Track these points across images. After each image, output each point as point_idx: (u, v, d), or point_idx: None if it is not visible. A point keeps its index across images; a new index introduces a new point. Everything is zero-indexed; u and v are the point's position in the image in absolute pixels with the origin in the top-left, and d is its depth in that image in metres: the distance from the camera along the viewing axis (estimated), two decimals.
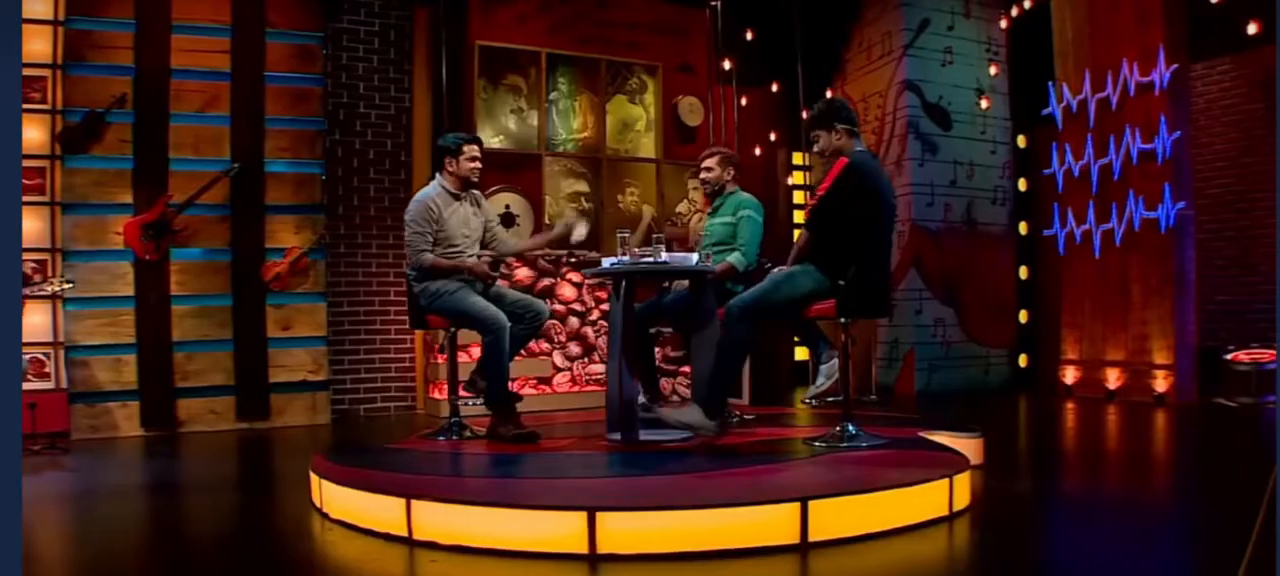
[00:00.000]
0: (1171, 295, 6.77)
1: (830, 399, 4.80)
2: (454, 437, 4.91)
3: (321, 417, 7.14)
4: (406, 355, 7.96)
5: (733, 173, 5.31)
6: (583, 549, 3.01)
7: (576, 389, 7.81)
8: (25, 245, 6.42)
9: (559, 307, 7.79)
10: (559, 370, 7.80)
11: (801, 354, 10.31)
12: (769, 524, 3.06)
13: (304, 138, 7.17)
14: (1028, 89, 8.34)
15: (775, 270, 4.48)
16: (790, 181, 10.03)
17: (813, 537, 3.08)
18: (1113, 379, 7.21)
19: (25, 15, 6.46)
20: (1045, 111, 7.84)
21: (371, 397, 7.89)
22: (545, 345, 7.71)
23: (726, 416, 5.30)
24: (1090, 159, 7.37)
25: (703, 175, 5.34)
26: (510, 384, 4.73)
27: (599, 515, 3.01)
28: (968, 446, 4.54)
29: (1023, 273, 8.67)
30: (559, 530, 3.04)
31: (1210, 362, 6.82)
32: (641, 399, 5.47)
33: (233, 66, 6.89)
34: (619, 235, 4.67)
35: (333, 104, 7.67)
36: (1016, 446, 5.68)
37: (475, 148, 4.82)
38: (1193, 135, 7.42)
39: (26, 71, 6.46)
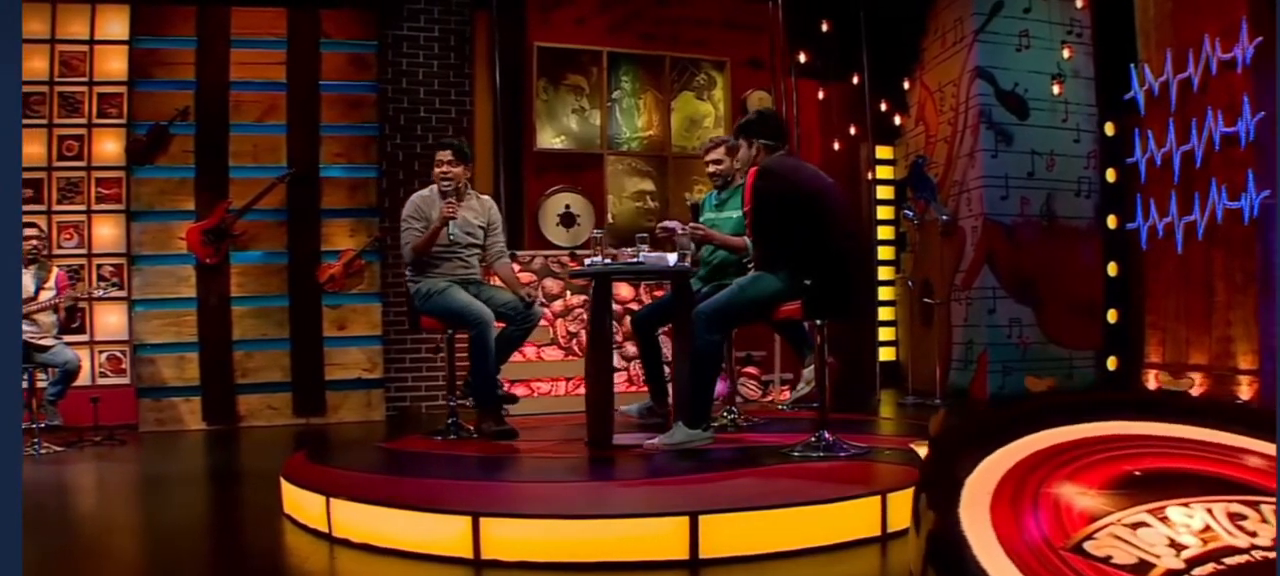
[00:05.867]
0: (1256, 293, 6.13)
1: (813, 404, 4.59)
2: (452, 437, 4.97)
3: (376, 414, 7.38)
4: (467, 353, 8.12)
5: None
6: (468, 553, 2.99)
7: (631, 388, 7.76)
8: (102, 251, 6.93)
9: (616, 307, 7.76)
10: (615, 370, 7.76)
11: (887, 354, 9.92)
12: (657, 537, 2.95)
13: (359, 143, 7.43)
14: (1115, 72, 7.71)
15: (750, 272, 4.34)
16: (872, 176, 9.65)
17: (708, 554, 2.94)
18: (1196, 385, 6.59)
19: (104, 36, 6.99)
20: (1127, 96, 7.24)
21: (433, 395, 8.08)
22: None
23: (730, 415, 5.20)
24: (1172, 145, 6.76)
25: (712, 168, 5.21)
26: (508, 383, 4.75)
27: (483, 520, 2.98)
28: None
29: (1112, 270, 8.03)
30: (446, 533, 3.03)
31: None
32: (647, 404, 5.40)
33: (289, 77, 7.22)
34: (593, 234, 4.62)
35: (392, 109, 7.89)
36: None
37: (444, 153, 4.87)
38: None
39: (105, 89, 6.97)
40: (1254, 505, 1.08)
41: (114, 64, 6.98)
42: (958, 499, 1.07)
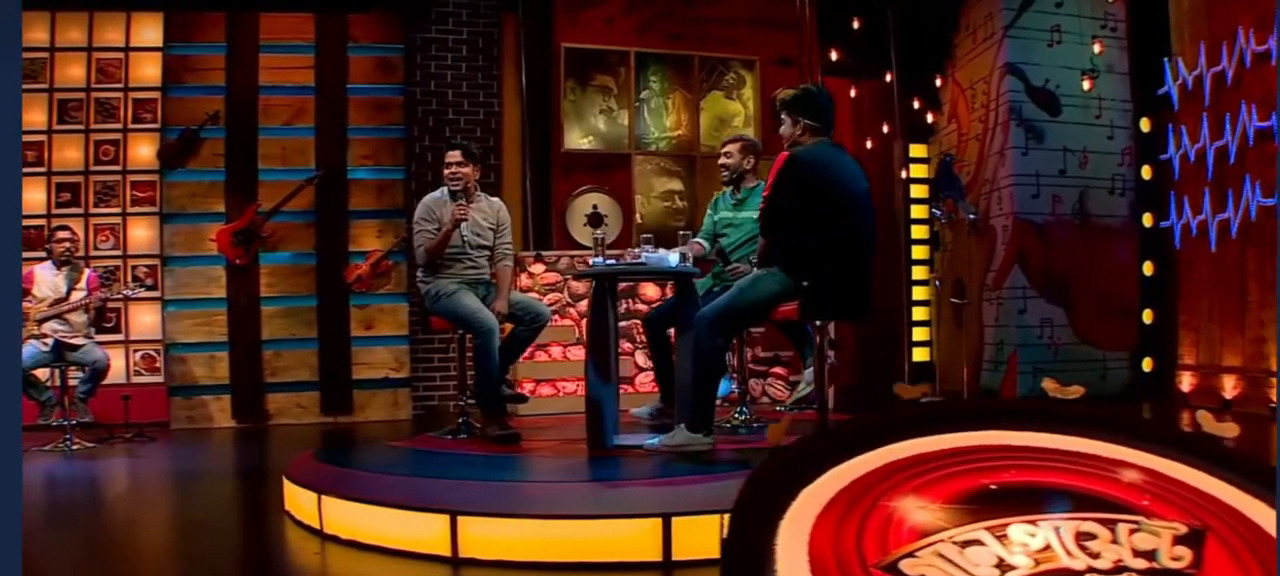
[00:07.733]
0: None
1: (814, 404, 4.55)
2: (462, 436, 5.03)
3: (403, 413, 7.49)
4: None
5: (753, 162, 5.16)
6: (447, 551, 3.04)
7: (657, 389, 7.76)
8: (137, 252, 7.13)
9: (642, 307, 7.77)
10: (642, 370, 7.77)
11: (921, 354, 9.78)
12: (631, 538, 2.96)
13: (385, 145, 7.54)
14: (1149, 67, 7.53)
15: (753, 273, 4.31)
16: (907, 175, 9.53)
17: (681, 556, 2.94)
18: (1229, 387, 6.42)
19: (138, 43, 7.19)
20: (1161, 91, 7.07)
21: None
22: (626, 345, 7.70)
23: (742, 415, 5.17)
24: (1206, 141, 6.59)
25: (723, 161, 5.20)
26: (532, 383, 4.76)
27: (461, 519, 3.03)
28: None
29: (1147, 269, 7.84)
30: (426, 531, 3.08)
31: None
32: (658, 405, 5.40)
33: (317, 81, 7.36)
34: (594, 235, 4.64)
35: (422, 111, 7.99)
36: None
37: (453, 153, 4.91)
38: None
39: (139, 95, 7.17)
40: (1110, 524, 1.04)
41: (148, 70, 7.18)
42: (782, 510, 1.05)
